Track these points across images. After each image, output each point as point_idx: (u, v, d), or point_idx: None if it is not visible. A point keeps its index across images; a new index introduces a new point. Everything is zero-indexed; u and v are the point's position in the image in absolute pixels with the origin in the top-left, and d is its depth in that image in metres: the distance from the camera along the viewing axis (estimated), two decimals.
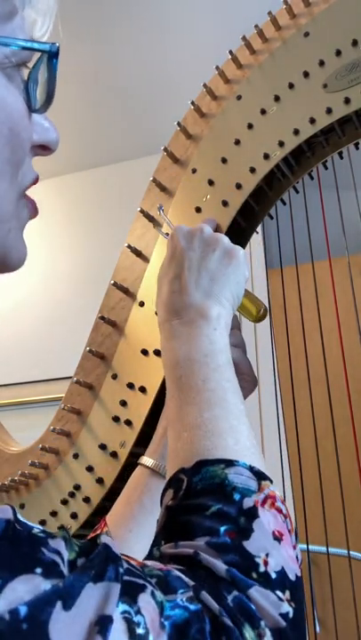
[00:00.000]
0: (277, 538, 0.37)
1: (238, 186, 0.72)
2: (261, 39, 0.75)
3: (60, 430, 0.76)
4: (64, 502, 0.75)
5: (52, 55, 0.39)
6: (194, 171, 0.76)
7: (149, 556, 0.38)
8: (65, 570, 0.29)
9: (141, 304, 0.76)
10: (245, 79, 0.75)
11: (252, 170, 0.72)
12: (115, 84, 2.26)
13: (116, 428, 0.73)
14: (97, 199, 2.58)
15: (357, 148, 0.75)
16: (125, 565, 0.31)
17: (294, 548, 0.38)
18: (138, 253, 0.78)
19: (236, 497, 0.38)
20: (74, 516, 0.74)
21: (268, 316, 0.65)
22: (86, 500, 0.73)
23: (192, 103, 0.78)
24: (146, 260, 0.77)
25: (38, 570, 0.28)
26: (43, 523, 0.76)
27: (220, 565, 0.34)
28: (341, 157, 0.76)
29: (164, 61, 2.16)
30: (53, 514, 0.75)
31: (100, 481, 0.73)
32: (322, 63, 0.69)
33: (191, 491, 0.39)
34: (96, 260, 2.35)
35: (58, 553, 0.30)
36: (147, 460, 0.66)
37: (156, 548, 0.38)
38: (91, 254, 2.46)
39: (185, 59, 2.11)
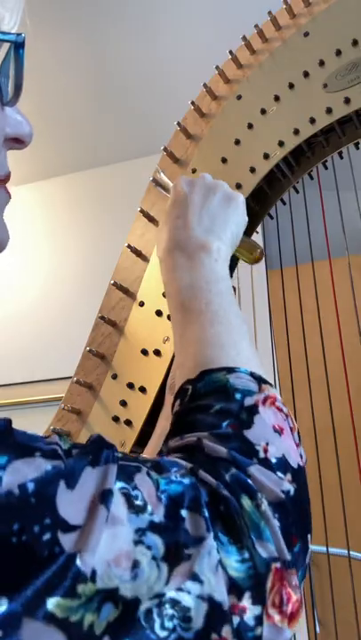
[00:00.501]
0: (278, 431, 0.38)
1: (238, 186, 0.72)
2: (261, 39, 0.75)
3: (60, 430, 0.76)
4: None
5: (19, 45, 0.40)
6: (194, 171, 0.76)
7: (158, 454, 0.40)
8: (62, 455, 0.31)
9: (141, 304, 0.76)
10: (245, 79, 0.75)
11: (252, 170, 0.72)
12: (115, 83, 2.26)
13: (116, 427, 0.73)
14: (96, 199, 2.57)
15: (357, 148, 0.75)
16: (120, 454, 0.33)
17: (297, 445, 0.40)
18: (138, 253, 0.78)
19: (238, 396, 0.39)
20: None
21: (263, 259, 0.67)
22: None
23: (192, 103, 0.78)
24: (146, 259, 0.77)
25: (38, 454, 0.30)
26: None
27: (221, 449, 0.35)
28: (341, 157, 0.76)
29: (164, 61, 2.16)
30: None
31: None
32: (322, 63, 0.69)
33: (196, 395, 0.41)
34: (96, 260, 2.35)
35: (55, 443, 0.32)
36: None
37: (163, 445, 0.40)
38: (91, 254, 2.46)
39: (185, 58, 2.11)
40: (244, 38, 0.75)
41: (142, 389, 0.73)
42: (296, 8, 0.73)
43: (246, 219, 0.61)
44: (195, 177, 0.61)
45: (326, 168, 0.77)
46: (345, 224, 0.88)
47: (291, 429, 0.40)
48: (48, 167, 2.58)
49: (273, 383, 0.63)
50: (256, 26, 0.74)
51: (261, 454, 0.36)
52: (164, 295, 0.74)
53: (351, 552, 1.05)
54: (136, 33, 2.04)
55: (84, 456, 0.32)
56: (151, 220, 0.78)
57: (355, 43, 0.67)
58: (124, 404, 0.74)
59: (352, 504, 1.03)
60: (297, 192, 0.78)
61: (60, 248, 2.56)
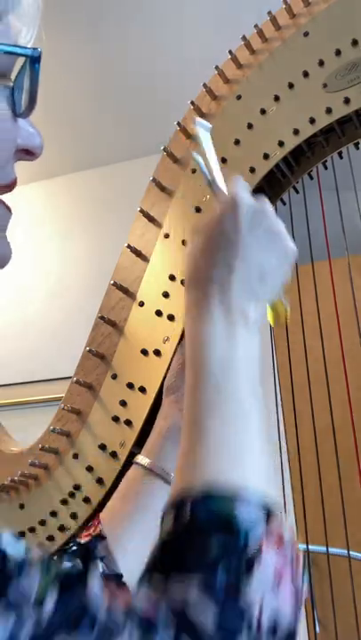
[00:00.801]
0: (277, 579, 0.35)
1: None
2: (261, 39, 0.75)
3: (60, 430, 0.76)
4: (64, 502, 0.75)
5: (35, 60, 0.41)
6: (194, 171, 0.76)
7: (141, 580, 0.37)
8: (30, 611, 0.29)
9: (141, 304, 0.76)
10: (245, 79, 0.75)
11: (252, 170, 0.72)
12: (115, 84, 2.26)
13: (115, 427, 0.73)
14: (96, 199, 2.58)
15: (357, 148, 0.75)
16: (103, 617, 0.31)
17: (296, 578, 0.37)
18: (138, 253, 0.78)
19: (241, 537, 0.36)
20: (74, 516, 0.74)
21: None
22: (86, 500, 0.73)
23: (192, 103, 0.78)
24: (146, 260, 0.77)
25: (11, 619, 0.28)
26: (43, 523, 0.76)
27: (208, 623, 0.32)
28: (341, 157, 0.76)
29: (164, 61, 2.16)
30: (53, 514, 0.75)
31: (99, 481, 0.73)
32: (322, 63, 0.69)
33: (194, 521, 0.37)
34: (97, 260, 2.35)
35: (28, 587, 0.30)
36: (142, 458, 0.65)
37: (148, 574, 0.36)
38: (91, 254, 2.46)
39: (185, 58, 2.11)
40: (243, 38, 0.75)
41: (142, 389, 0.73)
42: (296, 8, 0.73)
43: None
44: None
45: (326, 168, 0.77)
46: (345, 224, 0.88)
47: (291, 562, 0.37)
48: (48, 167, 2.58)
49: (274, 384, 0.63)
50: (256, 26, 0.74)
51: (253, 621, 0.33)
52: (163, 295, 0.74)
53: (351, 552, 1.05)
54: (136, 33, 2.04)
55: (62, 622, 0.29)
56: (151, 220, 0.78)
57: (355, 43, 0.67)
58: (123, 403, 0.74)
59: (352, 504, 1.03)
60: (297, 192, 0.78)
61: (60, 248, 2.56)
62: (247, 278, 0.49)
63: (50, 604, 0.30)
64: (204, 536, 0.36)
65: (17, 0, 0.41)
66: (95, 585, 0.32)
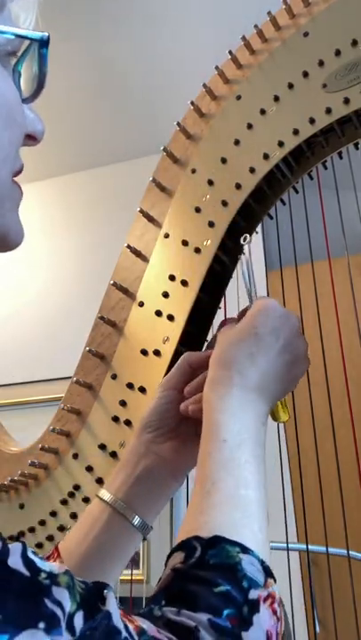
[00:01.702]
0: (268, 638, 0.38)
1: (238, 186, 0.72)
2: (261, 39, 0.75)
3: (60, 430, 0.76)
4: (64, 502, 0.75)
5: (43, 44, 0.41)
6: (193, 171, 0.76)
7: (149, 613, 0.38)
8: (63, 624, 0.30)
9: (141, 304, 0.76)
10: (245, 79, 0.75)
11: (252, 170, 0.72)
12: (115, 83, 2.26)
13: (115, 427, 0.73)
14: (96, 199, 2.58)
15: (357, 148, 0.75)
16: (124, 634, 0.32)
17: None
18: (138, 254, 0.78)
19: (245, 584, 0.38)
20: (73, 516, 0.74)
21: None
22: (86, 500, 0.74)
23: (192, 103, 0.78)
24: (145, 260, 0.77)
25: (41, 624, 0.29)
26: (42, 523, 0.76)
27: None
28: (341, 157, 0.76)
29: (164, 61, 2.16)
30: (53, 514, 0.75)
31: (99, 481, 0.73)
32: (321, 63, 0.69)
33: (204, 562, 0.40)
34: (96, 260, 2.35)
35: (59, 605, 0.31)
36: (104, 493, 0.61)
37: (157, 608, 0.38)
38: (91, 254, 2.46)
39: (185, 59, 2.11)
40: (243, 38, 0.75)
41: (142, 389, 0.73)
42: (296, 8, 0.73)
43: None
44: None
45: (326, 168, 0.77)
46: (345, 224, 0.88)
47: (277, 634, 0.39)
48: (48, 167, 2.58)
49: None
50: (256, 26, 0.74)
51: None
52: (163, 295, 0.74)
53: (351, 552, 1.05)
54: (136, 33, 2.04)
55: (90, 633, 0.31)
56: (151, 220, 0.78)
57: (354, 43, 0.67)
58: (123, 404, 0.74)
59: (352, 504, 1.03)
60: (296, 192, 0.78)
61: (59, 248, 2.56)
62: (265, 373, 0.54)
63: (79, 619, 0.31)
64: (212, 576, 0.38)
65: None
66: (114, 606, 0.34)
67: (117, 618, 0.33)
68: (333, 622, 1.11)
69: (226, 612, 0.36)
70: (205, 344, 0.73)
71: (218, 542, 0.41)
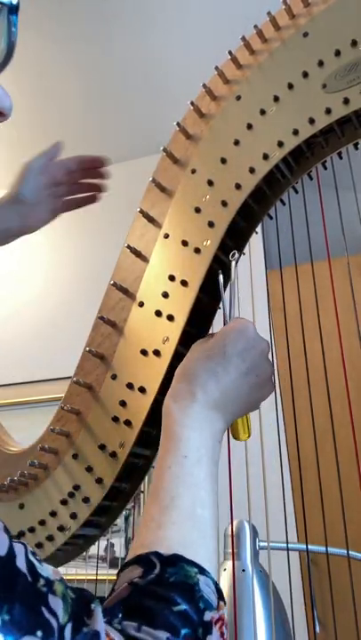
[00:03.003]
0: None
1: (238, 186, 0.72)
2: (261, 39, 0.75)
3: (60, 430, 0.76)
4: (63, 502, 0.75)
5: (13, 10, 0.39)
6: (193, 171, 0.76)
7: (108, 624, 0.39)
8: (57, 635, 0.31)
9: (141, 304, 0.76)
10: (245, 79, 0.75)
11: (252, 170, 0.72)
12: (115, 84, 2.26)
13: (115, 428, 0.73)
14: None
15: (357, 149, 0.75)
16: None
17: None
18: (137, 254, 0.78)
19: (201, 606, 0.39)
20: (73, 516, 0.74)
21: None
22: (86, 500, 0.74)
23: (192, 103, 0.78)
24: (145, 260, 0.77)
25: (39, 633, 0.30)
26: (42, 523, 0.76)
27: None
28: (341, 158, 0.76)
29: (163, 61, 2.16)
30: (53, 514, 0.75)
31: (99, 481, 0.73)
32: (321, 63, 0.69)
33: (163, 580, 0.40)
34: (96, 261, 2.35)
35: (55, 615, 0.32)
36: None
37: (117, 621, 0.38)
38: (91, 254, 2.46)
39: (185, 59, 2.11)
40: (243, 38, 0.75)
41: (142, 389, 0.73)
42: (295, 8, 0.73)
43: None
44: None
45: (326, 168, 0.77)
46: (345, 224, 0.88)
47: None
48: None
49: (273, 384, 0.63)
50: (256, 26, 0.74)
51: None
52: (163, 295, 0.74)
53: (351, 552, 1.05)
54: (136, 33, 2.04)
55: None
56: (151, 220, 0.78)
57: (354, 43, 0.67)
58: (123, 404, 0.74)
59: (352, 504, 1.03)
60: (296, 192, 0.78)
61: (59, 248, 2.56)
62: (226, 392, 0.56)
63: (68, 632, 0.32)
64: (171, 594, 0.39)
65: None
66: (102, 623, 0.34)
67: (104, 637, 0.33)
68: (333, 622, 1.11)
69: (183, 631, 0.37)
70: (207, 335, 0.73)
71: (177, 561, 0.41)
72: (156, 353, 0.73)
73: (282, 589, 1.00)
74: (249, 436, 0.64)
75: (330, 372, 0.95)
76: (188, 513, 0.47)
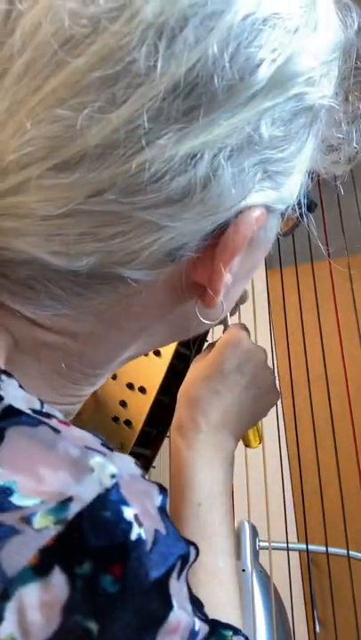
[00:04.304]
0: None
1: None
2: None
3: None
4: None
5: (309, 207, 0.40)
6: None
7: None
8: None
9: None
10: None
11: None
12: None
13: (115, 428, 0.73)
14: None
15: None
16: None
17: None
18: None
19: None
20: None
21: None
22: None
23: None
24: None
25: None
26: None
27: None
28: None
29: None
30: None
31: None
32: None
33: None
34: None
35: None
36: None
37: None
38: None
39: None
40: None
41: (142, 389, 0.73)
42: None
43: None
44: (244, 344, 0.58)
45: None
46: (345, 224, 0.88)
47: None
48: None
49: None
50: None
51: None
52: None
53: (351, 552, 1.05)
54: None
55: None
56: None
57: None
58: (123, 404, 0.74)
59: (352, 504, 1.03)
60: None
61: None
62: (229, 410, 0.55)
63: None
64: None
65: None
66: None
67: None
68: (333, 622, 1.11)
69: None
70: (206, 344, 0.73)
71: (215, 627, 0.42)
72: (157, 353, 0.73)
73: (282, 589, 1.00)
74: (260, 443, 0.64)
75: (330, 371, 0.95)
76: (211, 571, 0.46)
